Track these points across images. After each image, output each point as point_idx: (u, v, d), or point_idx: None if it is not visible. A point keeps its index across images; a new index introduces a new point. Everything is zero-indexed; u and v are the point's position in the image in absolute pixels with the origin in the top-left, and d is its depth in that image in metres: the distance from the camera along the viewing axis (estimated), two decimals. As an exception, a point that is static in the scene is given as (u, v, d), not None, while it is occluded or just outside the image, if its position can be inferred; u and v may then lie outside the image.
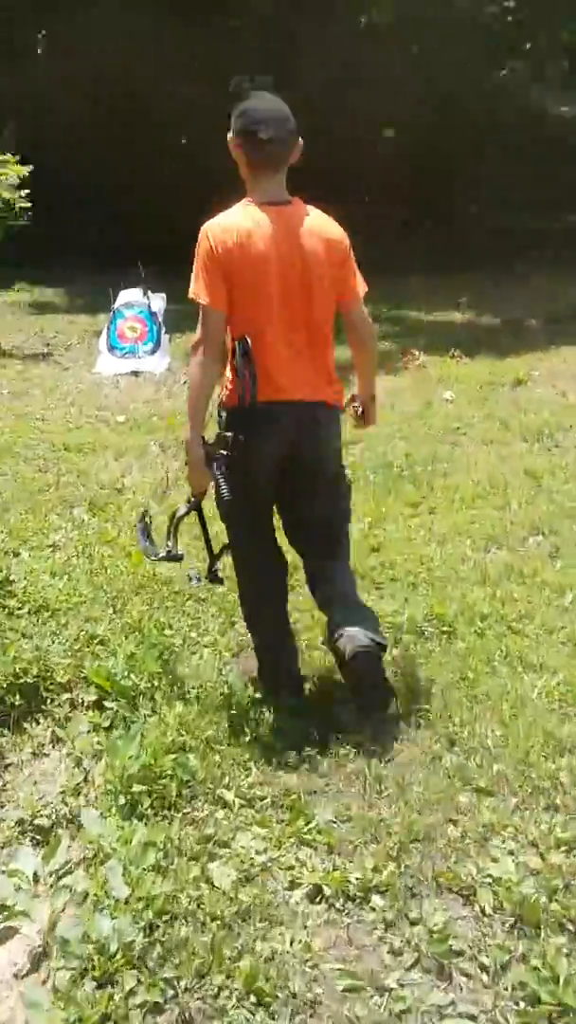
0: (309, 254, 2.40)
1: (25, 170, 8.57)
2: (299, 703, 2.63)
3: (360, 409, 2.75)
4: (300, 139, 2.44)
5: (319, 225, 2.46)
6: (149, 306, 8.03)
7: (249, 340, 2.35)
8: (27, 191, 8.60)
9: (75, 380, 7.46)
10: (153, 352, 7.84)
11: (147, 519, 2.87)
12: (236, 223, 2.38)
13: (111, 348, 7.89)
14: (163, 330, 8.04)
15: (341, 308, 2.52)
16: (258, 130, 2.36)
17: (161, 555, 2.67)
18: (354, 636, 2.42)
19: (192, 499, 2.61)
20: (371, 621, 2.54)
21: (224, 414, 2.47)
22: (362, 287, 2.56)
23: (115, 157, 12.30)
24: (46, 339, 9.18)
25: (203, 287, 2.37)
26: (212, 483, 2.48)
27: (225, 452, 2.40)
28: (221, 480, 2.42)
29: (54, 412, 6.34)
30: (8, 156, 8.59)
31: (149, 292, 8.10)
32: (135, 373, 7.56)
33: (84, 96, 12.06)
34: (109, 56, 11.47)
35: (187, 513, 2.64)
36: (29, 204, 8.66)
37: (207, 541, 2.71)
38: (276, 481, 2.54)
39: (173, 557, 2.65)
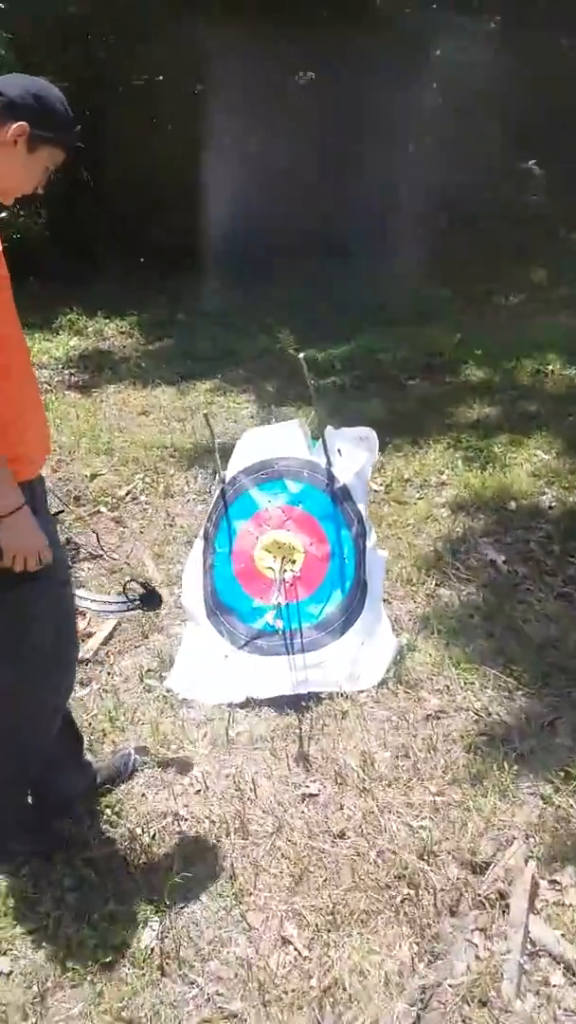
0: None
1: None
2: None
3: None
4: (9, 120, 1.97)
5: None
6: (331, 477, 2.72)
7: None
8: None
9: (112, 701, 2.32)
10: (344, 628, 2.55)
11: None
12: None
13: (215, 608, 2.64)
14: (369, 543, 2.73)
15: None
16: None
17: None
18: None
19: None
20: None
21: None
22: None
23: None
24: (70, 482, 3.97)
25: None
26: None
27: None
28: None
29: None
30: None
31: (338, 446, 2.77)
32: (281, 702, 2.33)
33: None
34: None
35: None
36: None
37: None
38: None
39: None
